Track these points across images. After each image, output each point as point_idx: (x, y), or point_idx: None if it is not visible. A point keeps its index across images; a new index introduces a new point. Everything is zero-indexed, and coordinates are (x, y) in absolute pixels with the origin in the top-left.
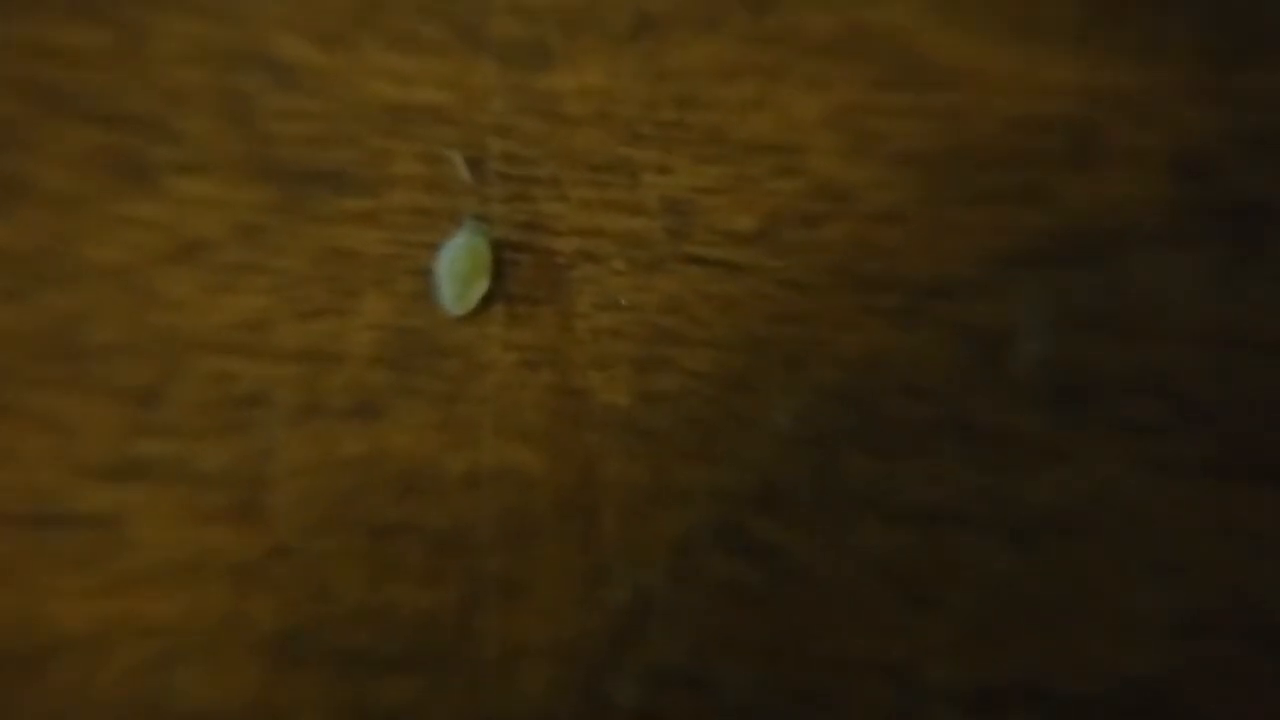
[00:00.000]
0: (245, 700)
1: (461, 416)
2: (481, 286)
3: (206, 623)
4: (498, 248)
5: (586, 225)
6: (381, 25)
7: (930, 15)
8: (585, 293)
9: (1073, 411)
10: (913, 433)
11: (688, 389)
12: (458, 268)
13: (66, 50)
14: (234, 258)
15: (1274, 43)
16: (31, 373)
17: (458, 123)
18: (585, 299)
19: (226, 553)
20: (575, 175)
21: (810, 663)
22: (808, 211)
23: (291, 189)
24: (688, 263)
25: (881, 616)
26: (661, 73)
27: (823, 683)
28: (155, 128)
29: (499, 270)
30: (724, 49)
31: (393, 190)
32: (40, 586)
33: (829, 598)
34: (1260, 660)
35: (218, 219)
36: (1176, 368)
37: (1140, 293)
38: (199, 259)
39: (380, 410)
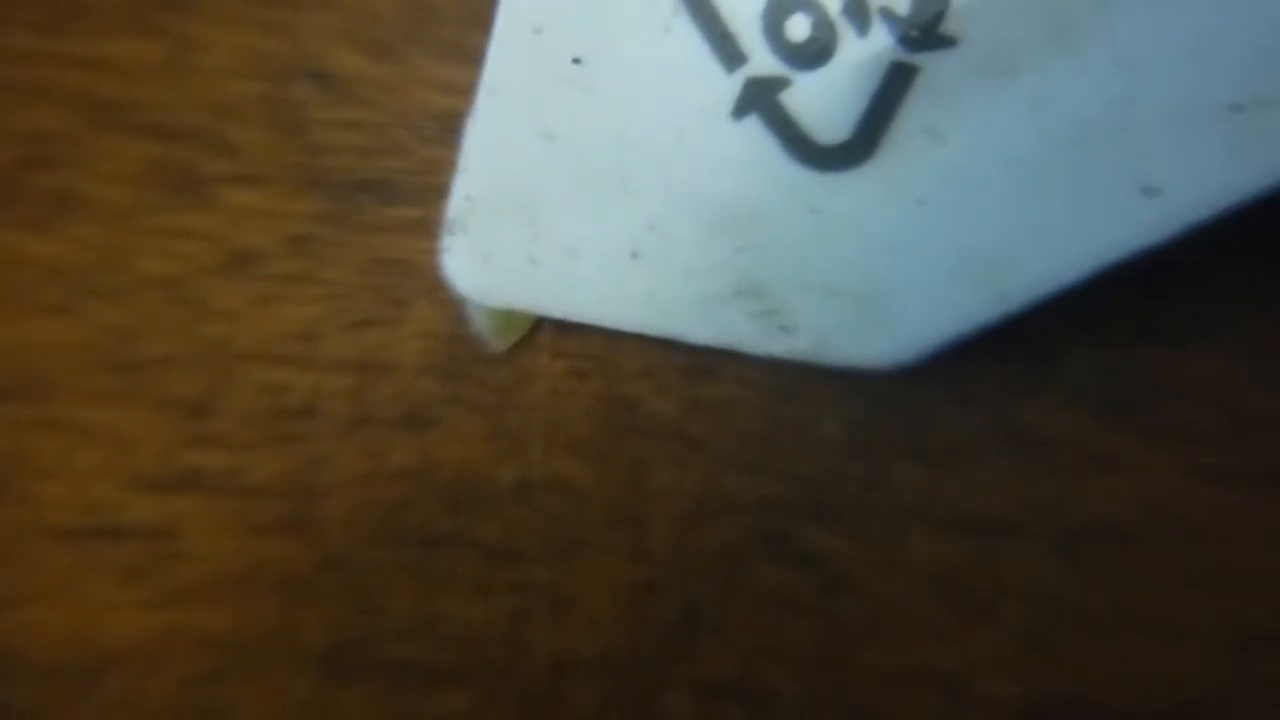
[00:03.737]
0: (295, 713)
1: (510, 426)
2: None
3: (257, 635)
4: None
5: None
6: (429, 35)
7: None
8: None
9: (1122, 421)
10: (962, 442)
11: (737, 398)
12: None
13: (117, 63)
14: (284, 269)
15: None
16: (83, 385)
17: None
18: None
19: (277, 565)
20: None
21: (860, 673)
22: None
23: (341, 199)
24: None
25: (931, 627)
26: None
27: (873, 693)
28: (206, 140)
29: None
30: None
31: (442, 199)
32: (93, 599)
33: (879, 608)
34: None
35: (268, 230)
36: (1226, 376)
37: (1187, 301)
38: (249, 270)
39: (430, 420)
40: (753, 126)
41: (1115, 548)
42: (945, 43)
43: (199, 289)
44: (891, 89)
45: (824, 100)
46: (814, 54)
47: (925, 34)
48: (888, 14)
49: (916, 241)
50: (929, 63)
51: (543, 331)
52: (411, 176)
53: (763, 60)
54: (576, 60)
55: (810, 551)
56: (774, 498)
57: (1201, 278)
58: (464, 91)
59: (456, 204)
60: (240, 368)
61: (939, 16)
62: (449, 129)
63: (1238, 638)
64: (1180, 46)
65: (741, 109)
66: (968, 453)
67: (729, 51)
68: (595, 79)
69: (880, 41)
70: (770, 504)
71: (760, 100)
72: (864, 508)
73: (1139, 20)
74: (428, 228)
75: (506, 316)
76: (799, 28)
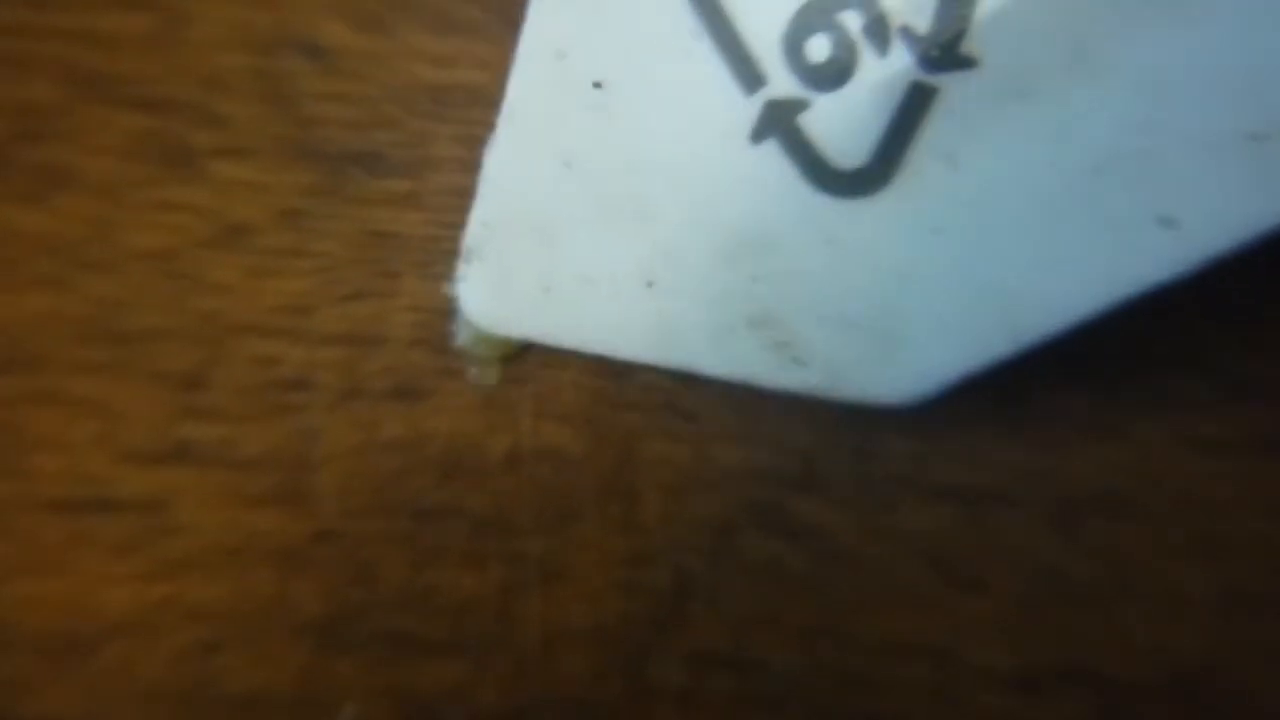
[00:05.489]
0: (290, 683)
1: (501, 398)
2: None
3: (251, 606)
4: None
5: None
6: (418, 7)
7: None
8: None
9: (1116, 390)
10: (953, 412)
11: None
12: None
13: (107, 36)
14: (275, 242)
15: None
16: (76, 358)
17: (495, 104)
18: None
19: (271, 536)
20: None
21: (852, 643)
22: None
23: (331, 172)
24: None
25: (923, 597)
26: None
27: (865, 663)
28: (196, 112)
29: None
30: None
31: (432, 172)
32: (87, 571)
33: (870, 578)
34: None
35: (259, 203)
36: (1220, 345)
37: None
38: (241, 243)
39: (421, 392)
40: (771, 151)
41: (1109, 517)
42: (965, 63)
43: (190, 262)
44: (910, 110)
45: (843, 122)
46: (834, 74)
47: (945, 53)
48: (908, 32)
49: (931, 273)
50: (948, 84)
51: None
52: (401, 149)
53: (782, 82)
54: (598, 85)
55: (802, 522)
56: (765, 469)
57: None
58: (453, 64)
59: (474, 231)
60: (232, 340)
61: (959, 35)
62: (438, 102)
63: (1232, 606)
64: (1200, 74)
65: (760, 132)
66: (959, 423)
67: (749, 73)
68: (615, 104)
69: (900, 61)
70: (761, 475)
71: (779, 123)
72: (855, 479)
73: (1159, 46)
74: (418, 201)
75: (499, 344)
76: (819, 48)
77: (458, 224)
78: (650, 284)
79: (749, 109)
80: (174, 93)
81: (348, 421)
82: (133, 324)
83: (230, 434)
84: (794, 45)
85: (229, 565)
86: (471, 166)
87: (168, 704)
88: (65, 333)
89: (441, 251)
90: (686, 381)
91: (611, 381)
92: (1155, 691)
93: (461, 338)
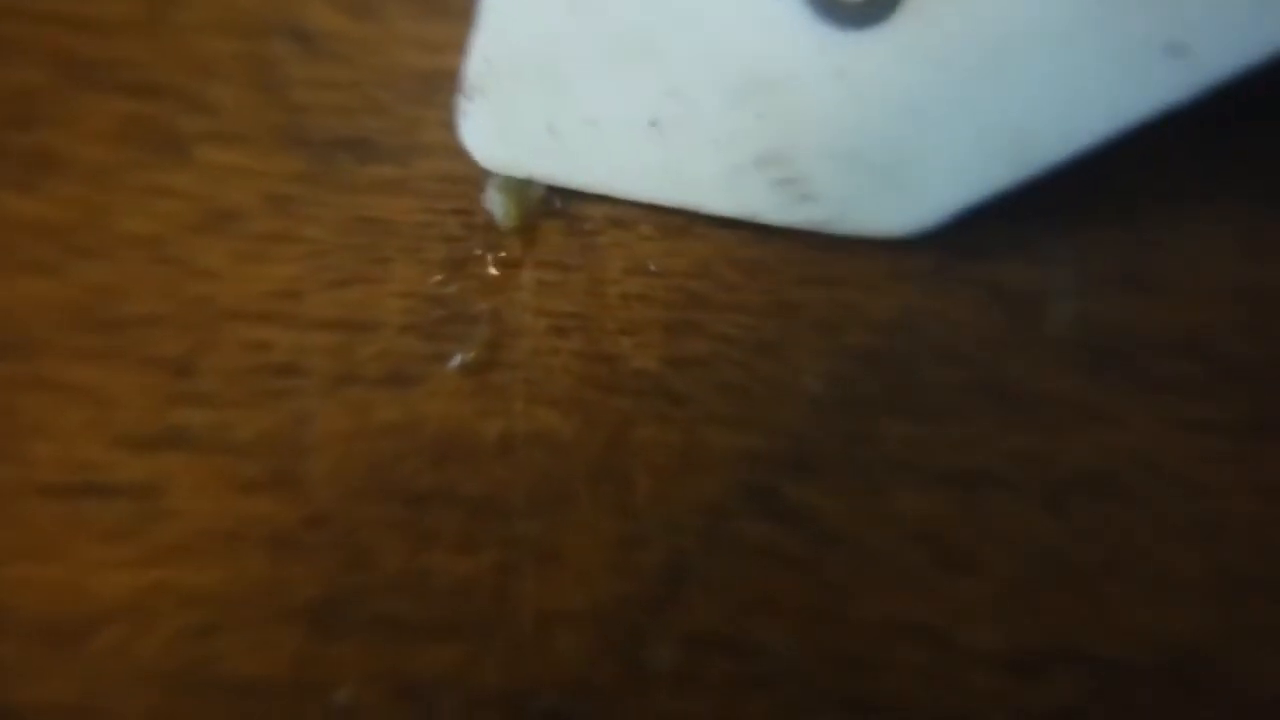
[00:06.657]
0: (285, 667)
1: (493, 383)
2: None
3: (245, 591)
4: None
5: None
6: None
7: None
8: (614, 258)
9: (1106, 372)
10: (946, 395)
11: (718, 353)
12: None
13: (96, 21)
14: (265, 227)
15: None
16: (66, 344)
17: None
18: (614, 264)
19: (264, 521)
20: None
21: (846, 626)
22: None
23: (321, 158)
24: (716, 227)
25: (917, 579)
26: None
27: (859, 646)
28: (185, 98)
29: (529, 237)
30: None
31: (421, 158)
32: (80, 557)
33: (864, 561)
34: None
35: (248, 189)
36: (1209, 327)
37: (1170, 251)
38: (230, 229)
39: (413, 378)
40: None
41: (1101, 499)
42: None
43: (181, 248)
44: None
45: None
46: None
47: None
48: None
49: (938, 103)
50: None
51: (525, 289)
52: (390, 136)
53: None
54: None
55: (795, 505)
56: (756, 452)
57: (1182, 227)
58: (443, 49)
59: (475, 66)
60: (224, 326)
61: None
62: (428, 87)
63: (1224, 588)
64: None
65: None
66: (952, 406)
67: None
68: None
69: None
70: (753, 458)
71: None
72: (849, 462)
73: None
74: (407, 187)
75: (520, 191)
76: None
77: (446, 210)
78: (655, 123)
79: None
80: (162, 78)
81: (340, 407)
82: (124, 310)
83: (222, 419)
84: None
85: (222, 550)
86: (460, 152)
87: (162, 689)
88: (57, 318)
89: (431, 237)
90: (677, 365)
91: (602, 365)
92: (1147, 673)
93: (489, 197)
